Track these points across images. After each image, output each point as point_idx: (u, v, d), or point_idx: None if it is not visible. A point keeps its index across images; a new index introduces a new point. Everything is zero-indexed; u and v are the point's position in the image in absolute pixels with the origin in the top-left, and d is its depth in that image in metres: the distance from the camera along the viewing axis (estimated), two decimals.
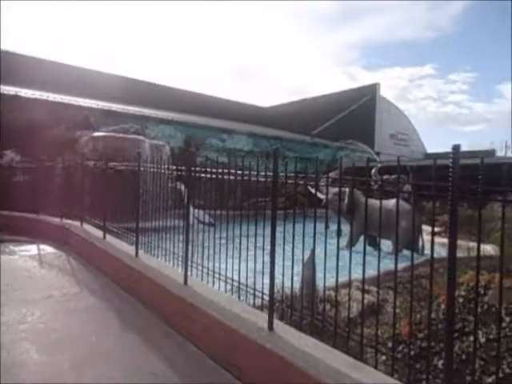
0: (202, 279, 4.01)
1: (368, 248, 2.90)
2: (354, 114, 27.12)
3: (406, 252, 7.58)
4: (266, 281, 3.12)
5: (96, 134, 12.97)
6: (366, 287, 4.08)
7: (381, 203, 2.58)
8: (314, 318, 2.84)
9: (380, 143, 27.17)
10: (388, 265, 3.20)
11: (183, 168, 4.30)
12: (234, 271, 3.62)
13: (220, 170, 3.71)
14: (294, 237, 3.00)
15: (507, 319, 3.11)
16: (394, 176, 5.20)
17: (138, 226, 5.27)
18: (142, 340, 3.60)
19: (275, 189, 2.99)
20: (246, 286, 3.43)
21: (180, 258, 4.35)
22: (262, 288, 3.21)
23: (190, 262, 4.10)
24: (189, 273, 4.09)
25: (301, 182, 2.87)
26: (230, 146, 19.53)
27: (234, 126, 21.59)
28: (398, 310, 3.69)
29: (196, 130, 18.67)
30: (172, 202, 5.24)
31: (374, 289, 4.12)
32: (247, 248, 3.44)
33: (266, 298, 3.14)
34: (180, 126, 18.36)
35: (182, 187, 4.92)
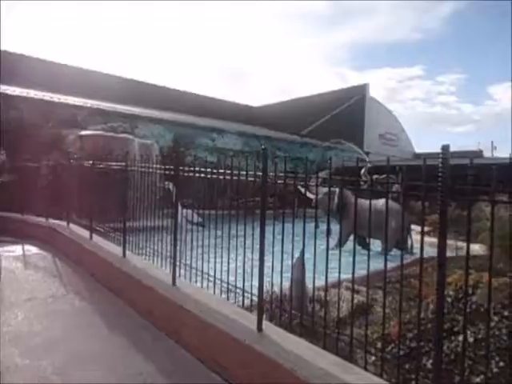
0: (190, 280, 3.96)
1: (358, 248, 2.89)
2: (344, 114, 27.27)
3: (395, 251, 7.62)
4: (256, 281, 3.09)
5: (83, 132, 12.77)
6: (356, 287, 4.07)
7: (370, 203, 2.56)
8: (304, 319, 2.81)
9: (369, 143, 27.34)
10: (377, 264, 3.19)
11: (171, 167, 4.24)
12: (223, 272, 3.58)
13: (208, 170, 3.66)
14: (283, 237, 2.97)
15: (495, 319, 3.12)
16: (383, 176, 5.21)
17: (126, 226, 5.19)
18: (129, 343, 3.53)
19: (265, 189, 2.95)
20: (235, 286, 3.39)
21: (168, 259, 4.29)
22: (251, 289, 3.17)
23: (178, 263, 4.04)
24: (177, 273, 4.03)
25: (290, 182, 2.84)
26: (220, 145, 19.43)
27: (224, 126, 21.51)
28: (387, 310, 3.70)
29: (186, 130, 18.54)
30: (160, 202, 5.17)
31: (364, 289, 4.11)
32: (236, 248, 3.40)
33: (256, 298, 3.10)
34: (169, 125, 18.21)
35: (171, 186, 4.86)
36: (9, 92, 13.78)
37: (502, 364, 2.69)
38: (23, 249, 7.09)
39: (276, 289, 3.30)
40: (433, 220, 5.69)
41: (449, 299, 3.58)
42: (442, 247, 1.96)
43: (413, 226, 9.61)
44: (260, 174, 2.93)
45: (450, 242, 3.84)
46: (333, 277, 2.89)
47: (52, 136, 12.61)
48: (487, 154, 30.07)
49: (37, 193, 8.83)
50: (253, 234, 3.16)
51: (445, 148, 1.90)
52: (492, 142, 32.75)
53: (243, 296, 3.29)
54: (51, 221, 7.73)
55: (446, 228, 1.94)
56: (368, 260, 2.60)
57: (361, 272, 3.01)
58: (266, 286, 3.26)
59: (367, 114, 27.87)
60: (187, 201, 5.16)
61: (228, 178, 3.40)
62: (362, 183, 3.14)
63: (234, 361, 2.92)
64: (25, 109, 13.19)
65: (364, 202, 5.19)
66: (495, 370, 2.67)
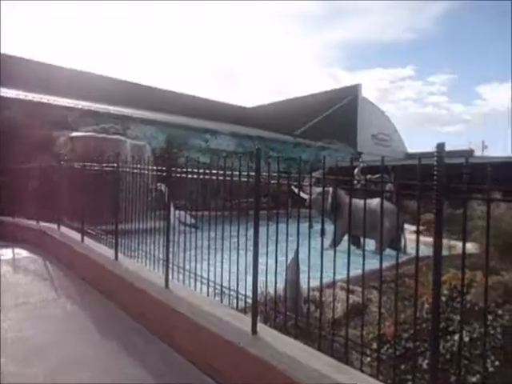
0: (183, 282, 3.91)
1: (352, 247, 2.87)
2: (337, 115, 27.34)
3: (388, 251, 7.63)
4: (250, 283, 3.05)
5: (74, 134, 12.63)
6: (351, 287, 4.05)
7: (365, 203, 2.54)
8: (298, 321, 2.78)
9: (362, 143, 27.45)
10: (371, 264, 3.16)
11: (163, 168, 4.19)
12: (216, 273, 3.54)
13: (201, 171, 3.62)
14: (277, 238, 2.93)
15: (490, 317, 3.12)
16: (376, 176, 5.21)
17: (118, 229, 5.12)
18: (121, 347, 3.47)
19: (258, 189, 2.92)
20: (229, 288, 3.34)
21: (161, 261, 4.23)
22: (245, 291, 3.13)
23: (171, 265, 3.99)
24: (170, 276, 3.98)
25: (284, 182, 2.81)
26: (213, 146, 19.38)
27: (217, 127, 21.45)
28: (382, 310, 3.68)
29: (178, 131, 18.45)
30: (153, 204, 5.11)
31: (359, 289, 4.09)
32: (230, 249, 3.36)
33: (250, 300, 3.06)
34: (162, 126, 18.11)
35: (163, 188, 4.80)
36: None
37: (497, 363, 2.68)
38: (13, 252, 6.98)
39: (270, 290, 3.26)
40: (426, 219, 5.71)
41: (443, 298, 3.57)
42: (437, 246, 1.94)
43: (406, 226, 9.64)
44: (253, 174, 2.90)
45: (443, 240, 3.84)
46: (328, 277, 2.86)
47: (43, 138, 12.46)
48: (478, 153, 30.35)
49: (27, 195, 8.70)
50: (246, 235, 3.12)
51: (440, 146, 1.88)
52: (483, 141, 33.09)
53: (237, 298, 3.25)
54: (42, 224, 7.62)
55: (441, 227, 1.92)
56: (363, 260, 2.57)
57: (355, 272, 2.99)
58: (261, 288, 3.23)
59: (360, 114, 27.97)
60: (180, 202, 5.11)
61: (221, 178, 3.36)
62: (355, 183, 3.12)
63: (227, 364, 2.87)
64: (14, 110, 13.01)
65: (358, 202, 5.21)
66: (491, 369, 2.66)
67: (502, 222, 4.93)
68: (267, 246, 3.01)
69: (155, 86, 27.57)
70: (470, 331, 3.01)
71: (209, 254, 3.60)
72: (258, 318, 3.08)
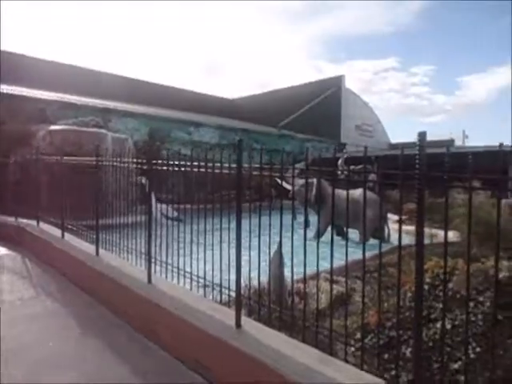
0: (166, 277, 3.84)
1: (336, 238, 2.85)
2: (320, 106, 27.35)
3: (372, 241, 7.71)
4: (233, 276, 3.01)
5: (53, 127, 12.29)
6: (335, 278, 4.06)
7: (348, 193, 2.51)
8: (282, 313, 2.76)
9: (346, 134, 27.58)
10: (355, 254, 3.16)
11: (143, 161, 4.09)
12: (200, 267, 3.49)
13: (182, 163, 3.54)
14: (259, 230, 2.89)
15: (471, 304, 3.16)
16: (359, 166, 5.21)
17: (98, 223, 5.00)
18: (104, 345, 3.39)
19: (240, 181, 2.86)
20: (212, 282, 3.30)
21: (143, 256, 4.15)
22: (229, 284, 3.09)
23: (153, 260, 3.92)
24: (152, 270, 3.91)
25: (266, 174, 2.76)
26: (196, 138, 19.16)
27: (201, 119, 21.20)
28: (366, 300, 3.70)
29: (161, 123, 18.17)
30: (134, 197, 5.00)
31: (343, 279, 4.11)
32: (212, 243, 3.30)
33: (233, 294, 3.03)
34: (144, 118, 17.80)
35: (143, 180, 4.70)
36: None
37: (478, 349, 2.72)
38: None
39: (254, 283, 3.22)
40: (408, 209, 5.76)
41: (426, 286, 3.61)
42: (419, 235, 1.93)
43: (389, 215, 9.75)
44: (234, 165, 2.84)
45: (424, 229, 3.87)
46: (312, 268, 2.84)
47: (20, 132, 12.07)
48: (459, 142, 30.90)
49: (5, 191, 8.43)
50: (228, 228, 3.08)
51: (421, 135, 1.86)
52: (464, 131, 33.67)
53: (221, 292, 3.21)
54: (20, 220, 7.40)
55: (423, 216, 1.91)
56: (346, 250, 2.56)
57: (340, 262, 2.98)
58: (245, 281, 3.19)
59: (343, 105, 28.05)
60: (161, 195, 5.01)
61: (202, 170, 3.29)
62: (339, 173, 3.10)
63: (212, 358, 2.84)
64: None
65: (341, 193, 5.21)
66: (472, 355, 2.70)
67: (481, 211, 5.00)
68: (250, 240, 2.97)
69: (137, 78, 27.05)
70: (452, 319, 3.05)
71: (191, 247, 3.54)
72: (243, 311, 3.06)
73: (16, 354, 3.21)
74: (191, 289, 3.53)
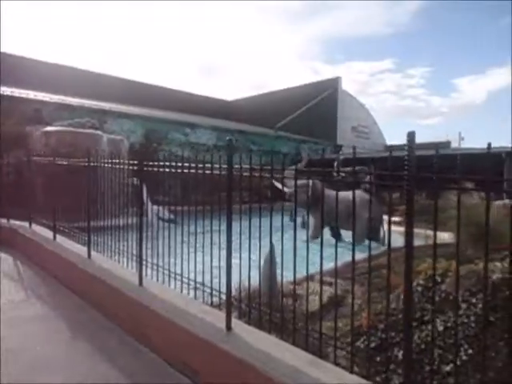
0: (157, 279, 3.81)
1: (331, 239, 2.83)
2: (317, 108, 27.37)
3: (367, 242, 7.68)
4: (224, 279, 2.98)
5: (49, 128, 12.23)
6: (329, 279, 4.03)
7: (337, 195, 2.49)
8: (273, 315, 2.73)
9: (342, 136, 27.61)
10: (349, 256, 3.13)
11: (135, 162, 4.05)
12: (192, 269, 3.45)
13: (173, 164, 3.50)
14: (250, 232, 2.87)
15: (464, 306, 3.14)
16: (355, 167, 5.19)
17: (90, 226, 4.95)
18: (94, 348, 3.35)
19: (230, 182, 2.84)
20: (203, 284, 3.27)
21: (135, 258, 4.11)
22: (220, 286, 3.06)
23: (144, 262, 3.88)
24: (144, 273, 3.87)
25: (256, 175, 2.73)
26: (193, 140, 19.14)
27: (197, 120, 21.18)
28: (359, 302, 3.67)
29: (157, 125, 18.13)
30: (127, 199, 4.95)
31: (337, 281, 4.08)
32: (203, 245, 3.27)
33: (224, 296, 2.99)
34: (141, 120, 17.76)
35: (135, 181, 4.65)
36: None
37: (470, 351, 2.70)
38: None
39: (246, 285, 3.19)
40: (403, 210, 5.76)
41: (419, 288, 3.59)
42: (409, 236, 1.91)
43: (385, 217, 9.74)
44: (225, 166, 2.82)
45: (420, 230, 3.89)
46: (305, 270, 2.80)
47: (15, 133, 12.01)
48: (455, 144, 30.97)
49: None
50: (219, 230, 3.04)
51: (410, 135, 1.84)
52: (460, 132, 33.76)
53: (211, 294, 3.17)
54: (12, 222, 7.34)
55: (412, 217, 1.89)
56: (336, 253, 2.54)
57: (333, 264, 2.94)
58: (236, 284, 3.16)
59: (340, 107, 28.08)
60: (154, 196, 4.98)
61: (192, 171, 3.26)
62: (335, 175, 3.07)
63: (202, 361, 2.81)
64: None
65: (335, 194, 5.17)
66: (464, 357, 2.68)
67: (475, 212, 5.00)
68: (240, 242, 2.94)
69: (134, 80, 26.99)
70: (444, 320, 3.03)
71: (182, 249, 3.51)
72: (235, 313, 3.03)
73: (4, 357, 3.16)
74: (182, 291, 3.49)
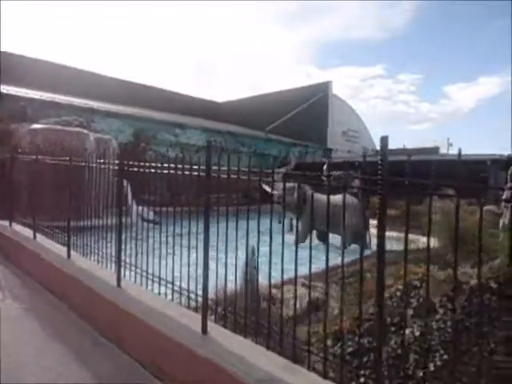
0: (135, 281, 3.75)
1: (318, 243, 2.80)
2: (308, 111, 27.48)
3: (353, 246, 7.72)
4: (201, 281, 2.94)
5: (34, 126, 12.04)
6: (312, 283, 4.01)
7: (328, 198, 2.46)
8: (248, 319, 2.70)
9: (333, 140, 27.76)
10: (335, 260, 3.11)
11: (116, 162, 4.00)
12: (172, 271, 3.40)
13: (153, 165, 3.46)
14: (227, 234, 2.84)
15: (441, 311, 3.15)
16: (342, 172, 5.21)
17: (70, 225, 4.87)
18: (67, 350, 3.28)
19: (208, 184, 2.81)
20: (180, 287, 3.22)
21: (113, 259, 4.04)
22: (196, 289, 3.02)
23: (123, 263, 3.82)
24: (122, 274, 3.81)
25: (234, 176, 2.71)
26: (183, 141, 19.02)
27: (188, 121, 21.08)
28: (338, 306, 3.66)
29: (147, 124, 17.99)
30: (109, 199, 4.88)
31: (317, 284, 4.07)
32: (181, 247, 3.23)
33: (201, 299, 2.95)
34: (130, 119, 17.60)
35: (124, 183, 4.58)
36: None
37: (445, 357, 2.70)
38: None
39: (225, 287, 3.16)
40: (391, 214, 5.79)
41: (398, 293, 3.60)
42: (381, 239, 1.90)
43: (371, 221, 9.79)
44: (203, 167, 2.79)
45: (400, 234, 3.88)
46: (287, 273, 2.76)
47: None
48: (443, 150, 31.34)
49: None
50: (197, 232, 3.01)
51: (383, 141, 1.84)
52: (448, 138, 34.18)
53: (188, 297, 3.13)
54: None
55: (384, 220, 1.88)
56: (310, 256, 2.51)
57: (318, 268, 2.93)
58: (216, 286, 3.13)
59: (330, 111, 28.24)
60: (138, 197, 4.91)
61: (172, 172, 3.22)
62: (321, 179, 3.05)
63: (176, 365, 2.76)
64: None
65: (321, 197, 5.17)
66: (439, 363, 2.68)
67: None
68: (217, 244, 2.91)
69: (125, 79, 26.77)
70: (421, 325, 3.03)
71: (160, 251, 3.46)
72: (213, 317, 2.99)
73: None
74: (159, 293, 3.44)
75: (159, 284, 3.42)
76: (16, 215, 6.69)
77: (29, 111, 13.91)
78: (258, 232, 2.60)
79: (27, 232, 6.06)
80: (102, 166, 4.39)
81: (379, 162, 1.85)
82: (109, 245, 4.27)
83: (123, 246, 3.84)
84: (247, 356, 2.50)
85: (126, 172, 3.98)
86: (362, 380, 2.44)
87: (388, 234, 2.20)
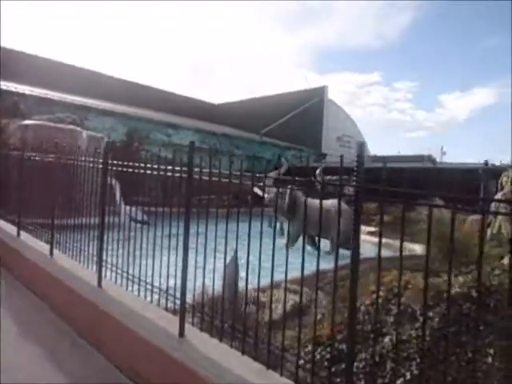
0: (115, 281, 3.70)
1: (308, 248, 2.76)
2: (303, 115, 27.55)
3: (342, 251, 7.70)
4: (190, 283, 2.90)
5: (25, 122, 11.94)
6: (295, 287, 4.00)
7: (321, 203, 2.44)
8: (226, 323, 2.67)
9: (327, 145, 27.84)
10: (325, 264, 3.07)
11: (101, 161, 3.96)
12: (152, 273, 3.36)
13: (136, 165, 3.43)
14: (206, 236, 2.81)
15: (421, 319, 3.14)
16: (335, 177, 5.20)
17: (54, 223, 4.81)
18: (43, 350, 3.23)
19: (189, 184, 2.78)
20: (159, 288, 3.19)
21: (95, 259, 3.99)
22: (174, 291, 2.99)
23: (104, 263, 3.77)
24: (103, 274, 3.76)
25: (215, 178, 2.68)
26: (176, 141, 18.96)
27: (182, 121, 21.04)
28: (323, 311, 3.64)
29: (140, 124, 17.93)
30: (93, 198, 4.82)
31: (304, 289, 4.04)
32: (161, 248, 3.20)
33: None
34: (123, 118, 17.53)
35: (113, 182, 4.54)
36: None
37: (421, 366, 2.69)
38: None
39: (203, 290, 3.13)
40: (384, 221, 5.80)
41: (380, 300, 3.58)
42: (355, 245, 1.89)
43: (362, 227, 9.79)
44: (185, 169, 2.76)
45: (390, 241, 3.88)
46: (277, 277, 2.73)
47: None
48: (437, 158, 31.53)
49: None
50: (178, 233, 2.98)
51: (360, 147, 1.83)
52: (442, 147, 34.45)
53: (166, 299, 3.10)
54: None
55: (359, 226, 1.87)
56: (286, 259, 2.49)
57: (305, 272, 2.89)
58: (196, 289, 3.09)
59: (325, 116, 28.33)
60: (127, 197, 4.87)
61: (155, 173, 3.20)
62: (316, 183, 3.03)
63: (151, 368, 2.73)
64: None
65: (312, 202, 5.16)
66: (416, 371, 2.67)
67: (444, 226, 5.06)
68: (197, 246, 2.88)
69: (118, 77, 26.66)
70: (400, 333, 3.02)
71: (140, 252, 3.42)
72: (191, 320, 2.95)
73: None
74: (139, 294, 3.39)
75: (139, 285, 3.38)
76: (1, 211, 6.60)
77: (22, 107, 13.82)
78: (249, 236, 2.56)
79: (11, 229, 5.97)
80: (88, 165, 4.34)
81: (355, 167, 1.83)
82: (91, 244, 4.22)
83: (105, 246, 3.79)
84: (222, 360, 2.47)
85: (113, 171, 3.94)
86: None
87: (373, 239, 2.19)
